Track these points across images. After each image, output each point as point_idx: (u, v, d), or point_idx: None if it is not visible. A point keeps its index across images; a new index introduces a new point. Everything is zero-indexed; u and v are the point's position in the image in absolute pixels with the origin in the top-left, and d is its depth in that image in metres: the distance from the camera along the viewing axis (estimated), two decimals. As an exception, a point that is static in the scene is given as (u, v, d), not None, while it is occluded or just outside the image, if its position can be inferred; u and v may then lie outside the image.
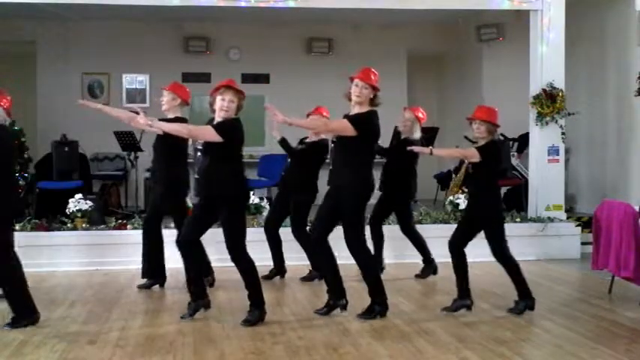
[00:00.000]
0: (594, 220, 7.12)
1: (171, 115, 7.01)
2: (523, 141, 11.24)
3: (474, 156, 6.21)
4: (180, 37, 13.25)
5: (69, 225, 8.72)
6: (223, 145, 5.77)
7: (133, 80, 13.17)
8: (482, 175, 6.24)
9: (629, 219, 6.60)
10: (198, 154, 5.92)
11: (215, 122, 5.86)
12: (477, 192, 6.31)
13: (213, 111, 5.90)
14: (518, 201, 10.53)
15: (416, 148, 6.77)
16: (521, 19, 10.64)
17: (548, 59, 9.62)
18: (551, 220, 9.45)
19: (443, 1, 9.96)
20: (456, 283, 6.26)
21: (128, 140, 10.81)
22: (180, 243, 6.04)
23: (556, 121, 9.59)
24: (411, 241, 8.03)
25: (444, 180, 12.41)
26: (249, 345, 5.27)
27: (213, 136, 5.78)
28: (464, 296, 6.25)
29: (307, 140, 7.70)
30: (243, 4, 9.32)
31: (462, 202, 9.29)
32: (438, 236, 8.96)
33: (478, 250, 9.19)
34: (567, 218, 9.70)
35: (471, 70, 13.60)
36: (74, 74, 13.00)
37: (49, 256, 8.40)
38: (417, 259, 8.09)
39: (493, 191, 6.28)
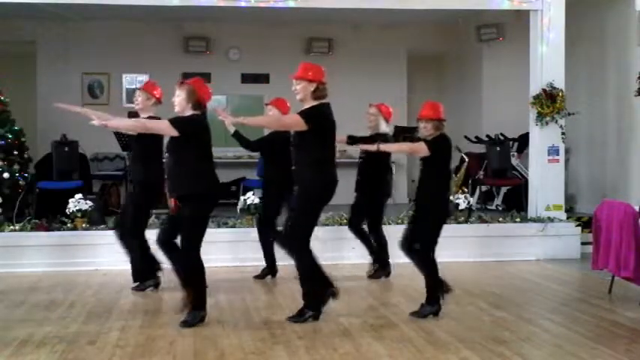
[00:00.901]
0: (594, 220, 7.11)
1: (144, 115, 7.04)
2: (523, 141, 11.24)
3: (423, 151, 6.09)
4: (180, 37, 13.24)
5: (69, 225, 8.72)
6: (183, 141, 5.75)
7: (133, 80, 13.14)
8: (430, 169, 6.13)
9: (629, 219, 6.60)
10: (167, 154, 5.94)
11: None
12: (424, 187, 6.16)
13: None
14: (518, 201, 10.52)
15: (362, 146, 6.65)
16: (521, 19, 10.63)
17: (548, 59, 9.62)
18: (551, 220, 9.44)
19: (443, 1, 9.95)
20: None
21: (128, 140, 10.79)
22: (160, 243, 6.05)
23: (556, 121, 9.59)
24: (375, 241, 7.89)
25: (443, 180, 12.38)
26: (249, 345, 5.27)
27: (168, 129, 5.78)
28: (432, 301, 6.10)
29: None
30: (243, 4, 9.33)
31: (462, 202, 9.30)
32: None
33: (478, 251, 9.25)
34: (567, 218, 9.70)
35: (471, 70, 13.60)
36: (74, 74, 12.99)
37: (49, 256, 8.40)
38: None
39: (441, 187, 6.14)
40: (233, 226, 8.96)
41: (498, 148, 11.20)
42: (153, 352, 5.11)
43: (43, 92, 12.88)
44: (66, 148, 10.71)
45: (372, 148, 6.62)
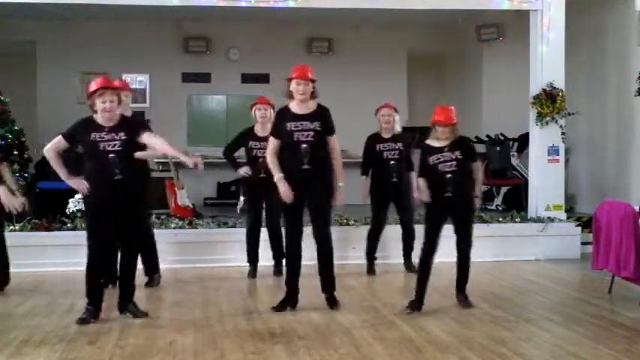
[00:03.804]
0: (594, 220, 7.11)
1: (129, 113, 6.79)
2: (523, 141, 11.25)
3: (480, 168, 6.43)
4: (180, 37, 13.26)
5: (69, 225, 8.72)
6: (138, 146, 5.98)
7: (133, 80, 13.15)
8: (464, 169, 6.39)
9: (629, 219, 6.60)
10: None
11: (119, 122, 5.89)
12: (463, 188, 6.37)
13: (95, 112, 5.91)
14: (518, 201, 10.53)
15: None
16: (521, 19, 10.64)
17: (548, 59, 9.62)
18: (551, 220, 9.45)
19: (443, 1, 9.96)
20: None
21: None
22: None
23: (556, 121, 9.59)
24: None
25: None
26: (249, 345, 5.27)
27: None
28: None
29: None
30: (243, 4, 9.33)
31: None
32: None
33: (479, 251, 9.24)
34: (567, 218, 9.70)
35: (471, 70, 13.61)
36: (74, 74, 13.00)
37: (49, 256, 8.41)
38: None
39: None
40: (233, 226, 8.96)
41: (498, 148, 11.21)
42: (153, 352, 5.11)
43: (43, 92, 12.90)
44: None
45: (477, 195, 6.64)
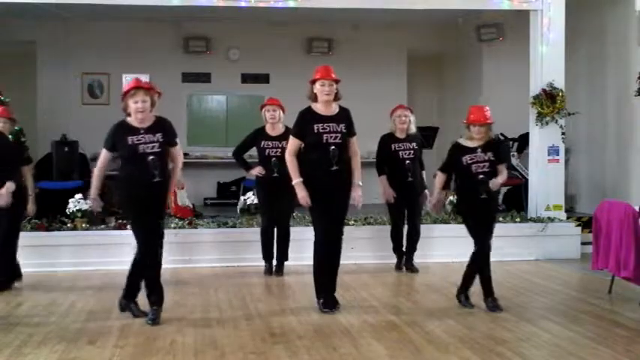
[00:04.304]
0: (594, 221, 7.11)
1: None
2: (523, 141, 11.24)
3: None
4: (180, 37, 13.24)
5: (69, 225, 8.72)
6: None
7: (133, 80, 13.14)
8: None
9: (629, 219, 6.60)
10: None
11: (154, 123, 5.91)
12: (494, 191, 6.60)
13: (128, 114, 5.90)
14: (518, 201, 10.52)
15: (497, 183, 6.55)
16: (521, 19, 10.64)
17: (548, 59, 9.62)
18: (551, 220, 9.44)
19: (443, 1, 9.95)
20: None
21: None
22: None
23: (556, 121, 9.60)
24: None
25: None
26: (249, 345, 5.27)
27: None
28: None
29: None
30: (243, 4, 9.32)
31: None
32: (438, 236, 9.02)
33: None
34: (567, 218, 9.70)
35: (471, 70, 13.59)
36: (74, 74, 13.00)
37: (49, 256, 8.41)
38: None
39: None
40: (233, 226, 8.96)
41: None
42: (153, 352, 5.11)
43: (43, 92, 12.89)
44: (66, 148, 10.71)
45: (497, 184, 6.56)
